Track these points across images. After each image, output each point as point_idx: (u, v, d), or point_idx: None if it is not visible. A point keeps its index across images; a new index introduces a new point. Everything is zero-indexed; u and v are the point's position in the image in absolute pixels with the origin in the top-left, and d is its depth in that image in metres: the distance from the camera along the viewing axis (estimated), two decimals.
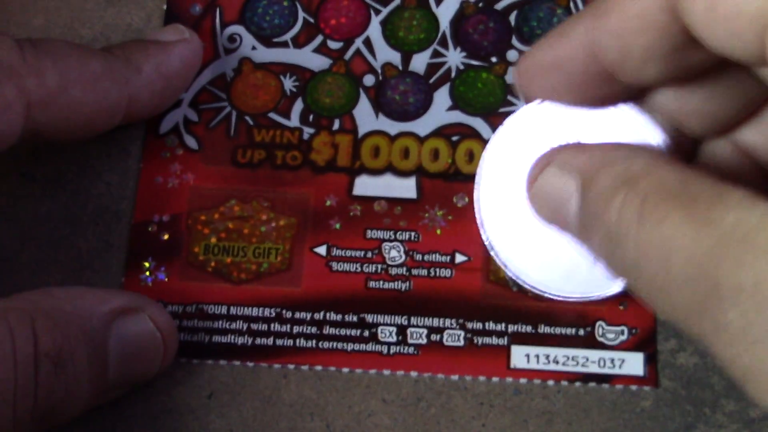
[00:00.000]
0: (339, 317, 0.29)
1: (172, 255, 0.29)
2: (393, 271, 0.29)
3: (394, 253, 0.29)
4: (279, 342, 0.29)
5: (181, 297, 0.29)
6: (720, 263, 0.16)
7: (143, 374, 0.27)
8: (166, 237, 0.30)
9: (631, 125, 0.24)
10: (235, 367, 0.29)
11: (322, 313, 0.29)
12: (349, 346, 0.29)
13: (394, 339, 0.29)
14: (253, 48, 0.31)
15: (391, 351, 0.29)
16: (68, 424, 0.25)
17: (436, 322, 0.29)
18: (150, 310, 0.27)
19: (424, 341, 0.29)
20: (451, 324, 0.29)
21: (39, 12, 0.32)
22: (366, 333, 0.29)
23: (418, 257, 0.29)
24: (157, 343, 0.27)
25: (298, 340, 0.29)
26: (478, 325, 0.28)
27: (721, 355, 0.17)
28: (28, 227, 0.30)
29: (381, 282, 0.29)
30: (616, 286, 0.27)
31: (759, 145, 0.23)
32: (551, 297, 0.27)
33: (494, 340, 0.28)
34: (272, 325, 0.29)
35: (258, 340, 0.29)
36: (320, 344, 0.29)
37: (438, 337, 0.29)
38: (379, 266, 0.29)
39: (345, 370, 0.28)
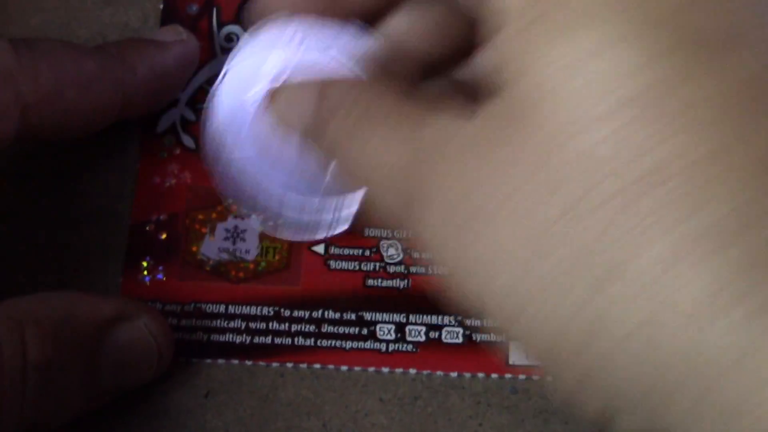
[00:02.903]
0: (337, 315, 0.29)
1: (170, 254, 0.29)
2: (391, 269, 0.29)
3: (392, 251, 0.29)
4: (277, 340, 0.29)
5: (180, 296, 0.29)
6: (416, 172, 0.20)
7: (137, 381, 0.27)
8: (164, 236, 0.30)
9: (358, 45, 0.23)
10: (232, 367, 0.29)
11: (320, 312, 0.29)
12: (348, 344, 0.29)
13: (392, 336, 0.29)
14: None
15: (390, 349, 0.29)
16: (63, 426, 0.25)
17: (434, 319, 0.29)
18: (145, 317, 0.27)
19: (422, 339, 0.29)
20: (450, 321, 0.29)
21: (36, 11, 0.32)
22: (364, 331, 0.29)
23: (416, 255, 0.29)
24: (151, 350, 0.27)
25: (296, 339, 0.29)
26: (477, 322, 0.28)
27: (422, 246, 0.20)
28: (25, 227, 0.30)
29: (379, 280, 0.29)
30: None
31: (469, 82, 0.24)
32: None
33: (493, 336, 0.28)
34: (270, 324, 0.29)
35: (256, 339, 0.29)
36: (319, 342, 0.29)
37: (437, 334, 0.29)
38: (378, 264, 0.29)
39: (343, 368, 0.29)
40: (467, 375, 0.28)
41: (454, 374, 0.28)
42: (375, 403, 0.29)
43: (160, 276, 0.29)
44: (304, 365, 0.29)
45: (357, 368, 0.29)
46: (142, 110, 0.29)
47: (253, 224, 0.29)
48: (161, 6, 0.31)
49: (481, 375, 0.28)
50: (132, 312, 0.27)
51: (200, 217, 0.30)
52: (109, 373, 0.26)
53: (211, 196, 0.30)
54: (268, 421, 0.29)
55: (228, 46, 0.31)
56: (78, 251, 0.30)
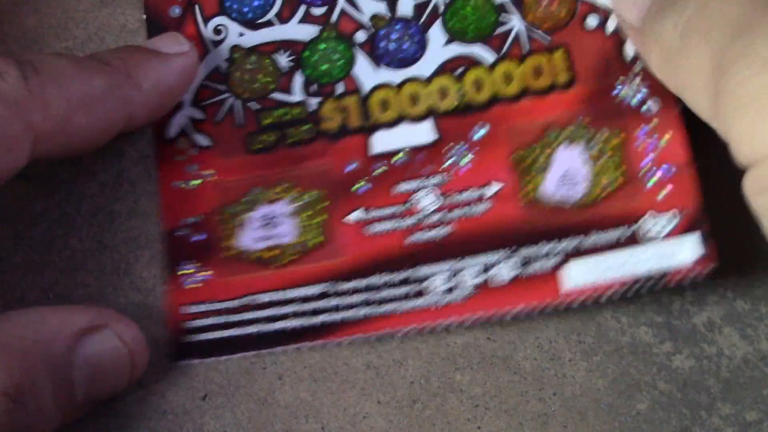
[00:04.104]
0: (384, 280, 0.29)
1: (210, 254, 0.29)
2: (429, 220, 0.29)
3: (426, 201, 0.29)
4: (329, 318, 0.29)
5: (230, 292, 0.29)
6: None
7: (112, 391, 0.27)
8: (201, 237, 0.29)
9: None
10: (230, 368, 0.29)
11: (367, 280, 0.29)
12: (401, 307, 0.29)
13: (443, 289, 0.28)
14: (240, 34, 0.31)
15: (442, 302, 0.28)
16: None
17: (480, 260, 0.29)
18: (116, 326, 0.27)
19: (473, 283, 0.28)
20: (496, 259, 0.29)
21: (32, 12, 0.32)
22: (412, 290, 0.29)
23: (451, 199, 0.29)
24: (124, 359, 0.27)
25: (348, 312, 0.29)
26: (522, 254, 0.28)
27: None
28: (22, 227, 0.30)
29: (419, 234, 0.29)
30: None
31: None
32: None
33: (541, 266, 0.28)
34: (321, 303, 0.29)
35: (309, 320, 0.29)
36: (371, 311, 0.29)
37: (485, 277, 0.28)
38: (415, 218, 0.29)
39: (401, 332, 0.29)
40: (522, 310, 0.28)
41: (511, 312, 0.28)
42: (373, 406, 0.28)
43: (206, 277, 0.29)
44: (360, 336, 0.28)
45: (412, 329, 0.28)
46: (143, 123, 0.29)
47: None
48: (144, 16, 0.31)
49: (537, 306, 0.28)
50: (102, 322, 0.26)
51: (231, 210, 0.30)
52: (82, 387, 0.26)
53: (238, 188, 0.30)
54: (266, 424, 0.28)
55: (217, 38, 0.31)
56: (74, 251, 0.30)
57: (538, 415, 0.28)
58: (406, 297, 0.29)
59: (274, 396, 0.29)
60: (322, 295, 0.29)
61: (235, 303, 0.29)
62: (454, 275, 0.29)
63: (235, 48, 0.31)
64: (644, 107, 0.29)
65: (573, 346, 0.29)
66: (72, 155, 0.28)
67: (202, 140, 0.30)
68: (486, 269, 0.28)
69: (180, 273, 0.29)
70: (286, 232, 0.29)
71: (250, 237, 0.29)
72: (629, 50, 0.29)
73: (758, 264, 0.29)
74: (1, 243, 0.30)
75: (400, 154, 0.30)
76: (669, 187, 0.28)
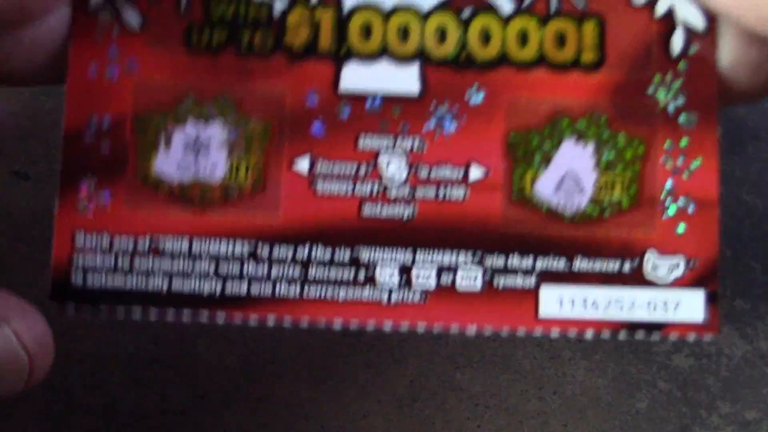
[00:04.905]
0: (328, 254, 0.23)
1: (117, 173, 0.23)
2: (393, 192, 0.24)
3: (393, 168, 0.24)
4: (255, 289, 0.23)
5: (131, 228, 0.23)
6: None
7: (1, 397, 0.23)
8: (107, 149, 0.24)
9: None
10: (230, 368, 0.29)
11: (306, 250, 0.23)
12: (342, 294, 0.23)
13: (396, 282, 0.23)
14: None
15: (393, 299, 0.23)
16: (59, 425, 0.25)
17: (447, 258, 0.23)
18: (16, 324, 0.23)
19: (432, 284, 0.23)
20: (466, 260, 0.23)
21: None
22: (361, 275, 0.23)
23: (424, 173, 0.24)
24: (19, 364, 0.23)
25: (278, 286, 0.23)
26: (500, 261, 0.23)
27: None
28: (20, 226, 0.30)
29: (378, 206, 0.24)
30: None
31: None
32: None
33: (519, 281, 0.23)
34: (246, 267, 0.23)
35: (229, 287, 0.23)
36: (306, 291, 0.23)
37: (450, 278, 0.23)
38: (376, 185, 0.24)
39: (337, 324, 0.23)
40: (488, 329, 0.23)
41: (471, 328, 0.23)
42: (373, 405, 0.28)
43: (105, 200, 0.23)
44: (288, 319, 0.23)
45: (353, 323, 0.23)
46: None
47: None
48: None
49: (505, 329, 0.23)
50: (1, 315, 0.22)
51: (153, 121, 0.24)
52: None
53: (166, 93, 0.24)
54: (266, 424, 0.28)
55: None
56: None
57: (538, 413, 0.28)
58: (352, 283, 0.23)
59: (274, 396, 0.29)
60: (250, 257, 0.23)
61: (139, 244, 0.23)
62: (411, 269, 0.24)
63: None
64: (681, 118, 0.24)
65: (573, 344, 0.29)
66: None
67: (131, 18, 0.24)
68: (449, 269, 0.24)
69: (76, 191, 0.23)
70: (215, 165, 0.24)
71: (172, 162, 0.24)
72: (677, 42, 0.24)
73: (757, 263, 0.29)
74: (0, 241, 0.30)
75: (375, 100, 0.24)
76: (682, 225, 0.24)
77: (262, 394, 0.29)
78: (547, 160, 0.24)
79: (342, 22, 0.24)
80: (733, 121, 0.31)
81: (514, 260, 0.24)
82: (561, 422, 0.28)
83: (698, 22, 0.24)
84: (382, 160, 0.24)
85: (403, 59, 0.24)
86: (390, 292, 0.23)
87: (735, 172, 0.31)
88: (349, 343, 0.29)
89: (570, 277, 0.23)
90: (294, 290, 0.23)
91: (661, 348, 0.29)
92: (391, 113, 0.24)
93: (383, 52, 0.24)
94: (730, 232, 0.29)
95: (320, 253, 0.23)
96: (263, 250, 0.23)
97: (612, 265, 0.24)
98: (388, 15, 0.24)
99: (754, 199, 0.30)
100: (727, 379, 0.28)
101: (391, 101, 0.24)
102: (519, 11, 0.24)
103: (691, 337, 0.23)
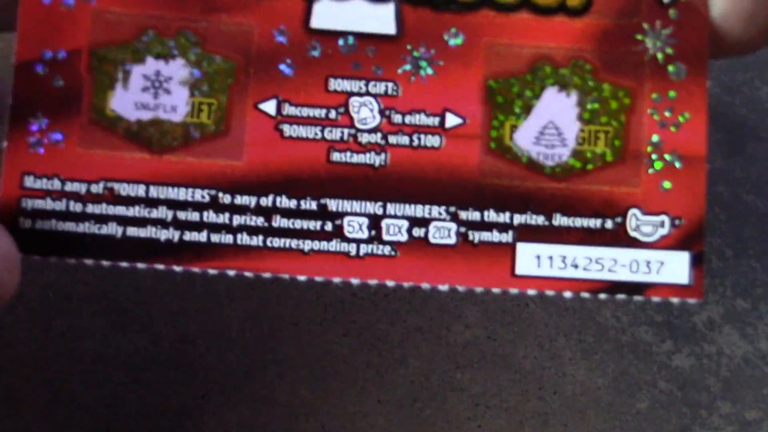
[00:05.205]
0: (293, 203, 0.22)
1: (71, 110, 0.22)
2: (364, 138, 0.22)
3: (365, 112, 0.23)
4: (215, 237, 0.22)
5: (84, 171, 0.22)
6: None
7: None
8: (61, 83, 0.22)
9: None
10: (230, 368, 0.29)
11: (270, 198, 0.22)
12: (307, 245, 0.22)
13: (364, 234, 0.22)
14: None
15: (362, 251, 0.22)
16: (60, 424, 0.25)
17: (419, 210, 0.22)
18: None
19: (404, 238, 0.22)
20: (440, 213, 0.22)
21: None
22: (328, 226, 0.22)
23: (397, 118, 0.22)
24: None
25: (239, 236, 0.22)
26: (475, 215, 0.22)
27: None
28: None
29: (348, 153, 0.22)
30: None
31: None
32: None
33: (496, 236, 0.22)
34: (206, 214, 0.22)
35: (187, 235, 0.22)
36: (269, 242, 0.22)
37: (422, 231, 0.22)
38: (346, 131, 0.22)
39: (301, 277, 0.22)
40: (460, 288, 0.22)
41: (443, 287, 0.22)
42: (373, 405, 0.28)
43: (57, 139, 0.22)
44: (250, 274, 0.22)
45: (319, 278, 0.22)
46: None
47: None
48: None
49: (479, 289, 0.22)
50: None
51: (110, 56, 0.23)
52: None
53: (126, 26, 0.22)
54: (266, 424, 0.28)
55: None
56: None
57: (539, 413, 0.28)
58: (318, 234, 0.22)
59: (274, 395, 0.29)
60: (211, 204, 0.22)
61: (92, 187, 0.22)
62: (381, 220, 0.22)
63: None
64: (669, 69, 0.23)
65: (573, 344, 0.29)
66: None
67: None
68: (422, 221, 0.22)
69: (24, 127, 0.22)
70: (175, 105, 0.22)
71: (130, 100, 0.22)
72: None
73: (758, 262, 0.29)
74: None
75: (348, 39, 0.23)
76: (668, 182, 0.23)
77: (262, 394, 0.29)
78: (527, 109, 0.23)
79: None
80: (733, 121, 0.31)
81: (491, 214, 0.22)
82: (561, 422, 0.28)
83: None
84: (354, 103, 0.23)
85: None
86: (358, 244, 0.22)
87: (735, 172, 0.31)
88: (349, 343, 0.29)
89: (549, 234, 0.22)
90: (257, 241, 0.22)
91: (662, 348, 0.29)
92: (365, 54, 0.23)
93: None
94: (731, 232, 0.29)
95: (285, 201, 0.22)
96: (225, 197, 0.22)
97: (593, 222, 0.22)
98: None
99: (754, 199, 0.30)
100: (728, 379, 0.28)
101: (364, 41, 0.23)
102: None
103: (675, 299, 0.22)
